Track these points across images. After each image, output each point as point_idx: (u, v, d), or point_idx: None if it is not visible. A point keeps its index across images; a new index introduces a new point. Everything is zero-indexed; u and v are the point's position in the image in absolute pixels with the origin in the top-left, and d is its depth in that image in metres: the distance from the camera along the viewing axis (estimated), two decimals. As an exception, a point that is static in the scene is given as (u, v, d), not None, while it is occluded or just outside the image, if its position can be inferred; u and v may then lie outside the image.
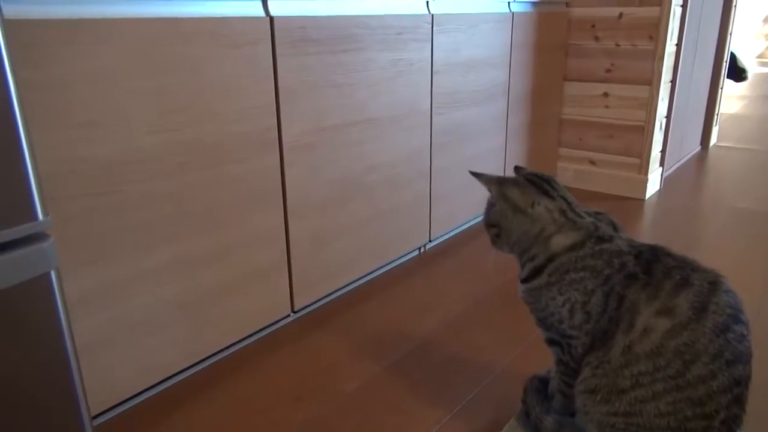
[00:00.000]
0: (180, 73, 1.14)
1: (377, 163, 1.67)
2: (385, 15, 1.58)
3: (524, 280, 1.03)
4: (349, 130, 1.55)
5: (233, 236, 1.32)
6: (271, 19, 1.29)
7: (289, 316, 1.54)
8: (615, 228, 1.00)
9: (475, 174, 1.07)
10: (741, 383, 0.87)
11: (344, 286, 1.70)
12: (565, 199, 1.01)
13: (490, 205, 1.06)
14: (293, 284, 1.49)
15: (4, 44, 0.62)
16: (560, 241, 0.97)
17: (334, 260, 1.61)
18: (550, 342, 1.04)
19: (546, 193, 1.01)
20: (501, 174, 1.10)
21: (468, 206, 2.12)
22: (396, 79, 1.66)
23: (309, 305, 1.59)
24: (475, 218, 2.23)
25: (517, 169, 1.11)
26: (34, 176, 0.64)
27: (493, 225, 1.05)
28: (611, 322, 0.92)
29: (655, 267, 0.92)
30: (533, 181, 1.02)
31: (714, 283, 0.90)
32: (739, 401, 0.88)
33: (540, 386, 1.14)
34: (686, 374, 0.86)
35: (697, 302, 0.87)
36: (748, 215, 2.28)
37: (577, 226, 0.97)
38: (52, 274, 0.67)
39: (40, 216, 0.65)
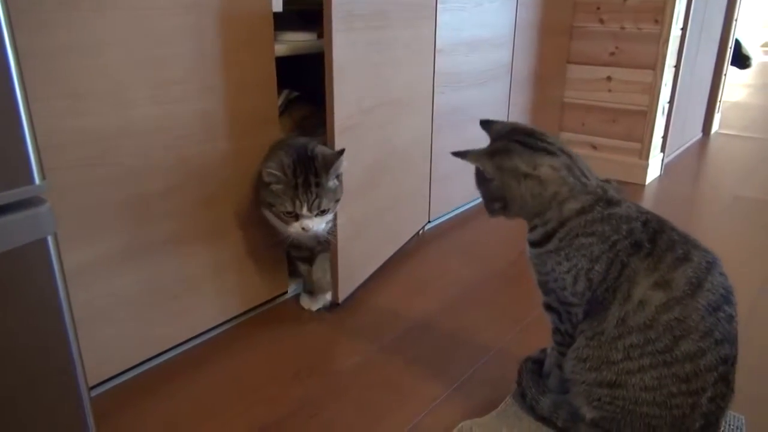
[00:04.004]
0: (180, 44, 1.13)
1: (396, 145, 1.64)
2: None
3: (534, 244, 0.99)
4: (379, 112, 1.50)
5: (234, 213, 1.31)
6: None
7: (286, 293, 1.54)
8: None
9: (457, 154, 0.98)
10: (727, 362, 0.88)
11: (372, 274, 1.65)
12: (565, 153, 0.96)
13: (485, 180, 0.98)
14: (339, 276, 1.44)
15: (3, 8, 0.61)
16: (572, 205, 0.94)
17: (366, 248, 1.57)
18: (548, 308, 1.04)
19: (544, 150, 0.95)
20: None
21: (466, 189, 2.11)
22: (412, 57, 1.64)
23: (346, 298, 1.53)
24: (473, 201, 2.22)
25: (486, 124, 1.03)
26: (31, 139, 0.63)
27: (496, 199, 0.99)
28: (608, 291, 0.92)
29: (659, 238, 0.92)
30: (523, 142, 0.96)
31: (711, 263, 0.90)
32: (726, 379, 0.89)
33: (534, 368, 1.15)
34: (674, 350, 0.87)
35: (694, 278, 0.88)
36: (748, 203, 2.28)
37: (588, 190, 0.94)
38: (49, 239, 0.66)
39: (37, 180, 0.64)
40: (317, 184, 1.25)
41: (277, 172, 1.22)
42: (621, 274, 0.91)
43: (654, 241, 0.91)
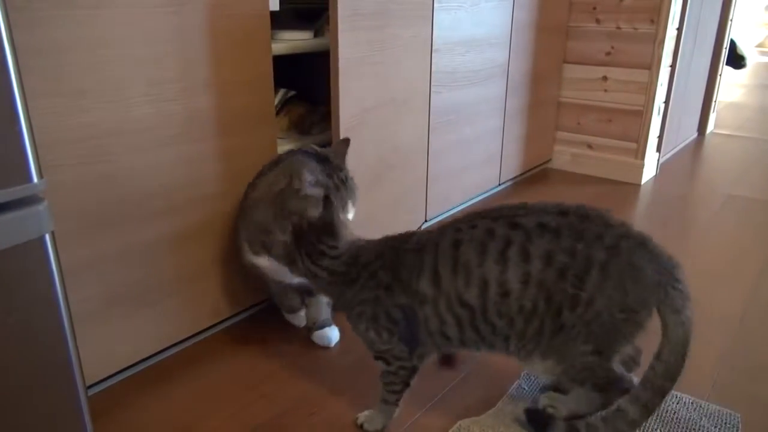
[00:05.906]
0: (176, 42, 1.13)
1: (395, 144, 1.64)
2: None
3: None
4: (379, 111, 1.51)
5: (230, 212, 1.31)
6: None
7: (283, 292, 1.54)
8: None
9: None
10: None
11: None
12: None
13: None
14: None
15: (1, 6, 0.61)
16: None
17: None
18: (375, 359, 1.05)
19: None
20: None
21: (463, 188, 2.11)
22: (410, 56, 1.64)
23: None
24: (470, 200, 2.22)
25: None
26: (29, 138, 0.63)
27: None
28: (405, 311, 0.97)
29: (400, 270, 0.98)
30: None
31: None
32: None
33: (534, 416, 1.08)
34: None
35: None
36: (743, 202, 2.29)
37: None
38: (47, 237, 0.66)
39: (35, 178, 0.64)
40: (347, 178, 1.18)
41: (317, 178, 1.12)
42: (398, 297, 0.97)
43: (396, 272, 0.97)
